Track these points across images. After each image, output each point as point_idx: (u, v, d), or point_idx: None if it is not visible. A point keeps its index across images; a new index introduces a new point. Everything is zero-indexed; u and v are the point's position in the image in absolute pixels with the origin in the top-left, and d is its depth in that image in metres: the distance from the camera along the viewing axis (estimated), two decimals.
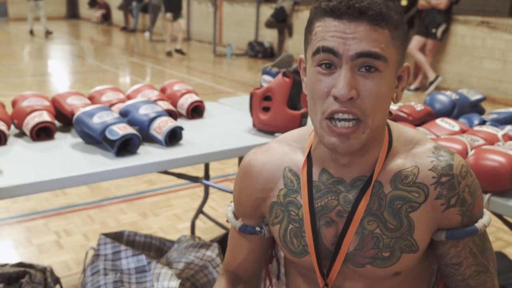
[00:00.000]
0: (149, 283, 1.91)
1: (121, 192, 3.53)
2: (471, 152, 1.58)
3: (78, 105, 2.04)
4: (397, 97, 0.94)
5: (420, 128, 1.88)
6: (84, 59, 9.58)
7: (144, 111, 1.94)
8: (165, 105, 2.18)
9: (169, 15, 9.37)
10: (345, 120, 0.87)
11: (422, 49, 6.92)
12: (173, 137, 1.93)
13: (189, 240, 2.21)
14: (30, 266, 2.00)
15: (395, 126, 1.01)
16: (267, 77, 2.32)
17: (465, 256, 0.98)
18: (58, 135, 2.00)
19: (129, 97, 2.26)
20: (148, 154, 1.83)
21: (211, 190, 3.23)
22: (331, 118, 0.88)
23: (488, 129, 1.82)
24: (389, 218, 0.95)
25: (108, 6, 15.82)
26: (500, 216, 1.84)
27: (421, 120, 2.03)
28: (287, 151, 1.05)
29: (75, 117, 1.87)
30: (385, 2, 0.86)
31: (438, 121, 1.92)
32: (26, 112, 1.94)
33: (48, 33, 12.14)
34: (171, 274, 1.89)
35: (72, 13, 17.63)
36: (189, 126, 2.14)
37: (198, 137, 2.03)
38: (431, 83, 6.85)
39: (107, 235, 2.11)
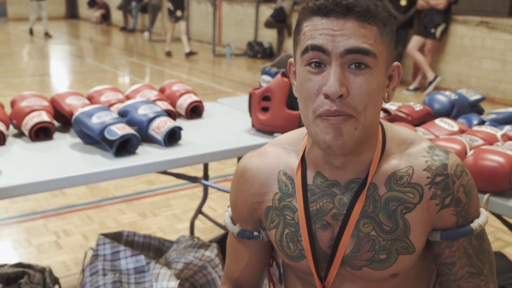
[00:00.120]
0: (148, 284, 1.91)
1: (120, 192, 3.53)
2: (470, 152, 1.58)
3: (77, 105, 2.04)
4: (389, 96, 0.93)
5: (419, 128, 1.88)
6: (83, 59, 9.57)
7: (143, 111, 1.94)
8: (164, 105, 2.18)
9: (179, 13, 9.33)
10: (337, 116, 0.86)
11: (421, 49, 6.92)
12: (172, 137, 1.93)
13: (188, 241, 2.21)
14: (29, 266, 2.00)
15: (389, 126, 1.00)
16: (266, 77, 2.32)
17: (459, 256, 0.97)
18: (57, 135, 2.00)
19: (128, 97, 2.26)
20: (147, 154, 1.83)
21: (210, 190, 3.22)
22: (323, 118, 0.87)
23: (487, 129, 1.82)
24: (385, 220, 0.94)
25: (107, 6, 15.81)
26: (499, 216, 1.84)
27: (420, 120, 2.03)
28: (281, 154, 1.05)
29: (74, 117, 1.87)
30: (372, 0, 0.86)
31: (437, 121, 1.92)
32: (25, 112, 1.94)
33: (47, 35, 12.11)
34: (170, 275, 1.89)
35: (72, 13, 17.63)
36: (188, 126, 2.14)
37: (197, 137, 2.03)
38: (430, 83, 6.86)
39: (106, 235, 2.11)
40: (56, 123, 2.09)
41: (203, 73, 8.31)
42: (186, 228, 2.98)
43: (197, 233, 2.88)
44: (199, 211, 2.75)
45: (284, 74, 2.04)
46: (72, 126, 1.94)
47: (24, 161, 1.73)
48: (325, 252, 0.99)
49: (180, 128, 1.93)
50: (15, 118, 1.96)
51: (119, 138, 1.76)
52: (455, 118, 2.10)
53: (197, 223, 2.96)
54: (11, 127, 2.02)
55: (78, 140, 1.94)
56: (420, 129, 1.87)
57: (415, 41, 6.90)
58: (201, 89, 6.86)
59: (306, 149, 1.00)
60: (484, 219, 0.97)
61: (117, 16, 15.31)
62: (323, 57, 0.85)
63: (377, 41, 0.85)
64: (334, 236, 0.97)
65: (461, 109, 2.14)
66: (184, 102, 2.29)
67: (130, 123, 1.91)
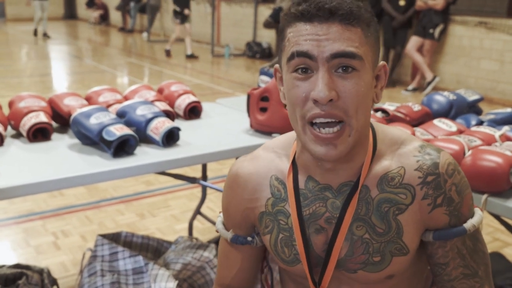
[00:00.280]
0: (146, 284, 1.90)
1: (118, 193, 3.52)
2: (468, 153, 1.58)
3: (75, 106, 2.04)
4: (377, 96, 0.93)
5: (418, 129, 1.88)
6: (82, 60, 9.57)
7: (141, 112, 1.93)
8: (162, 105, 2.18)
9: (187, 11, 9.31)
10: (328, 126, 0.86)
11: (420, 49, 6.93)
12: (170, 137, 1.93)
13: (186, 241, 2.20)
14: (27, 267, 2.00)
15: (380, 127, 1.00)
16: (265, 78, 2.32)
17: (453, 256, 0.96)
18: (55, 136, 2.00)
19: (126, 98, 2.26)
20: (145, 155, 1.83)
21: (208, 190, 3.22)
22: (313, 124, 0.86)
23: (485, 129, 1.82)
24: (377, 222, 0.93)
25: (106, 6, 15.81)
26: (497, 217, 1.84)
27: (419, 120, 2.03)
28: (272, 158, 1.04)
29: (72, 118, 1.87)
30: (354, 1, 0.85)
31: (436, 121, 1.92)
32: (23, 113, 1.94)
33: (45, 35, 12.08)
34: (168, 275, 1.89)
35: (70, 14, 17.61)
36: (186, 127, 2.14)
37: (195, 138, 2.02)
38: (429, 83, 6.86)
39: (104, 236, 2.11)
40: (54, 124, 2.09)
41: (202, 74, 8.31)
42: (184, 228, 2.98)
43: (195, 234, 2.88)
44: (197, 211, 2.75)
45: None
46: (70, 126, 1.94)
47: (22, 162, 1.73)
48: (320, 256, 0.98)
49: (178, 129, 1.93)
50: (13, 119, 1.96)
51: (117, 139, 1.76)
52: (453, 118, 2.10)
53: (195, 223, 2.96)
54: (9, 128, 2.01)
55: (76, 140, 1.93)
56: (418, 130, 1.87)
57: (414, 41, 6.90)
58: (199, 89, 6.85)
59: (297, 153, 0.99)
60: (478, 219, 0.95)
61: (115, 16, 15.30)
62: (309, 63, 0.85)
63: (362, 43, 0.85)
64: (328, 240, 0.97)
65: (460, 109, 2.14)
66: (183, 102, 2.29)
67: (128, 123, 1.91)
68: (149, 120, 1.91)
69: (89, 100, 2.18)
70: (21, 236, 2.87)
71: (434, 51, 7.07)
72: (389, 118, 2.00)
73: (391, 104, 2.11)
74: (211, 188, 2.28)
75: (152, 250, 2.24)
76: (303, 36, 0.84)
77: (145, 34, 12.63)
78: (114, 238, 2.16)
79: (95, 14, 15.71)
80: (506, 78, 6.54)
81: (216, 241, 2.43)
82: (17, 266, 1.99)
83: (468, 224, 0.94)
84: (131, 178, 3.69)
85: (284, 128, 1.93)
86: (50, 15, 14.14)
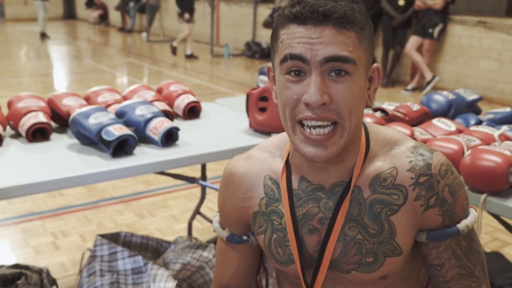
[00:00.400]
0: (145, 284, 1.90)
1: (117, 193, 3.52)
2: (467, 152, 1.58)
3: (74, 106, 2.04)
4: (370, 98, 0.92)
5: (417, 129, 1.88)
6: (81, 60, 9.56)
7: (140, 112, 1.93)
8: (162, 105, 2.18)
9: (187, 15, 9.29)
10: (319, 127, 0.85)
11: (419, 49, 6.93)
12: (170, 137, 1.92)
13: (185, 241, 2.20)
14: (26, 267, 1.99)
15: (373, 128, 0.99)
16: (264, 78, 2.32)
17: (447, 257, 0.95)
18: (54, 136, 2.00)
19: (125, 98, 2.26)
20: (144, 155, 1.83)
21: (208, 190, 3.22)
22: (303, 124, 0.86)
23: (484, 129, 1.82)
24: (370, 223, 0.93)
25: (105, 6, 15.80)
26: (497, 217, 1.84)
27: (418, 120, 2.03)
28: (266, 158, 1.04)
29: (71, 118, 1.87)
30: (349, 4, 0.84)
31: (435, 121, 1.92)
32: (22, 113, 1.94)
33: (43, 35, 12.02)
34: (167, 275, 1.89)
35: (69, 14, 17.60)
36: (185, 127, 2.14)
37: (194, 138, 2.02)
38: (428, 83, 6.86)
39: (103, 236, 2.11)
40: (53, 124, 2.09)
41: (201, 74, 8.31)
42: (184, 228, 2.98)
43: (195, 234, 2.88)
44: (197, 211, 2.75)
45: None
46: (69, 127, 1.94)
47: (21, 162, 1.72)
48: (313, 257, 0.98)
49: (177, 129, 1.93)
50: (12, 119, 1.96)
51: (116, 139, 1.76)
52: (452, 118, 2.10)
53: (194, 223, 2.96)
54: (8, 128, 2.01)
55: (75, 141, 1.93)
56: (417, 129, 1.87)
57: (413, 41, 6.90)
58: (199, 89, 6.85)
59: (290, 153, 0.99)
60: (472, 220, 0.95)
61: (115, 16, 15.29)
62: (302, 66, 0.84)
63: (356, 47, 0.84)
64: (321, 240, 0.96)
65: (459, 109, 2.14)
66: (182, 102, 2.29)
67: (127, 123, 1.91)
68: (148, 120, 1.91)
69: (88, 100, 2.18)
70: (20, 236, 2.87)
71: (433, 51, 7.08)
72: (388, 118, 2.00)
73: (390, 103, 2.11)
74: (210, 188, 2.28)
75: (152, 250, 2.24)
76: (297, 38, 0.84)
77: (144, 34, 12.63)
78: (113, 238, 2.16)
79: (94, 14, 15.70)
80: (505, 78, 6.54)
81: (215, 241, 2.43)
82: (16, 266, 1.99)
83: (462, 225, 0.94)
84: (130, 178, 3.69)
85: (283, 128, 1.93)
86: (49, 15, 14.13)
